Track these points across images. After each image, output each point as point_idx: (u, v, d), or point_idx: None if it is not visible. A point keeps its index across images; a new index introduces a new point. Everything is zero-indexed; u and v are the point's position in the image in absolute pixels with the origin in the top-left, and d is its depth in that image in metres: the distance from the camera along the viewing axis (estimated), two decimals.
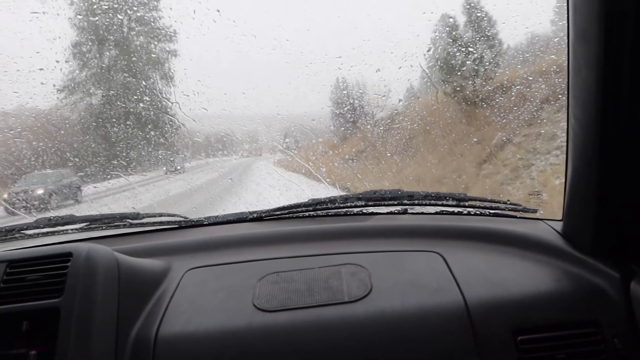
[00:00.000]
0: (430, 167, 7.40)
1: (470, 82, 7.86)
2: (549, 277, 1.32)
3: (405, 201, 1.72)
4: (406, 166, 7.45)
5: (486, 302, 1.23)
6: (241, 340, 1.18)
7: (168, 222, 1.78)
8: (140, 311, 1.28)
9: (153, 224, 1.77)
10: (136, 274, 1.33)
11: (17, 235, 1.70)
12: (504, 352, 1.16)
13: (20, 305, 1.13)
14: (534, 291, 1.25)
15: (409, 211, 1.76)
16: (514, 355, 1.15)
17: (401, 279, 1.33)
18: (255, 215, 1.79)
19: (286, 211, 1.77)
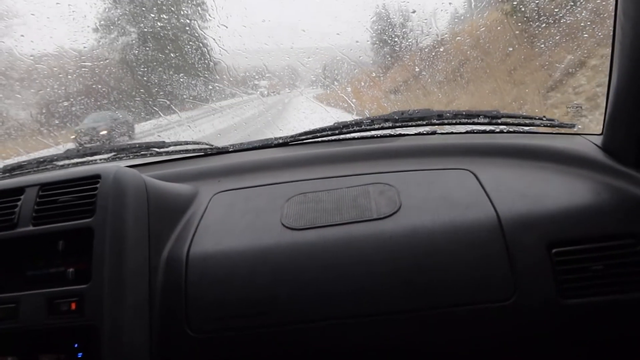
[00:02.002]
0: (485, 97, 7.19)
1: None
2: (588, 190, 1.37)
3: (434, 120, 1.78)
4: (458, 97, 7.27)
5: (520, 216, 1.30)
6: (271, 258, 1.32)
7: (194, 150, 1.94)
8: (171, 232, 1.45)
9: (179, 152, 1.93)
10: (164, 195, 1.49)
11: (48, 166, 1.89)
12: (538, 265, 1.24)
13: (55, 226, 1.29)
14: (571, 205, 1.31)
15: (438, 131, 1.83)
16: (547, 268, 1.23)
17: (431, 196, 1.42)
18: (280, 140, 1.92)
19: (311, 135, 1.88)
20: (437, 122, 1.79)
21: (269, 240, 1.37)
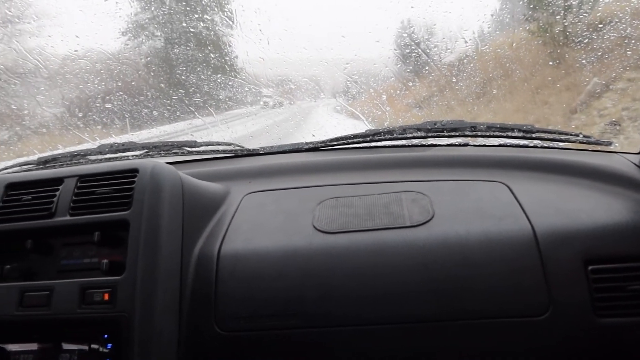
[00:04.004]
0: (509, 116, 7.15)
1: (559, 18, 7.37)
2: (625, 208, 1.34)
3: (467, 132, 1.76)
4: (480, 114, 7.25)
5: (556, 231, 1.27)
6: (302, 260, 1.31)
7: (224, 151, 1.95)
8: (203, 229, 1.45)
9: (210, 152, 1.95)
10: (198, 193, 1.50)
11: (81, 160, 1.92)
12: (574, 281, 1.21)
13: (92, 217, 1.31)
14: (608, 222, 1.28)
15: (471, 143, 1.81)
16: (583, 285, 1.20)
17: (465, 206, 1.40)
18: (311, 145, 1.92)
19: (342, 141, 1.87)
20: (470, 134, 1.77)
21: (300, 241, 1.36)
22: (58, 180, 1.39)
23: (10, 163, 1.98)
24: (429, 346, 1.25)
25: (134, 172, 1.36)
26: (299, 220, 1.43)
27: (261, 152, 1.95)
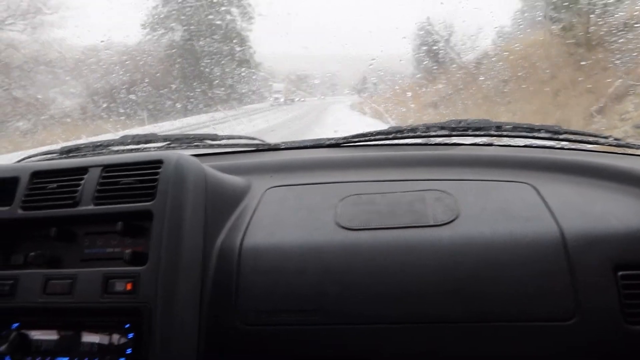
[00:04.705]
0: (527, 117, 7.08)
1: (583, 19, 7.24)
2: None
3: (493, 132, 1.73)
4: (498, 114, 7.17)
5: (585, 234, 1.24)
6: (324, 256, 1.30)
7: (246, 145, 1.95)
8: (225, 222, 1.44)
9: (231, 145, 1.95)
10: (221, 186, 1.49)
11: (104, 150, 1.93)
12: (602, 286, 1.18)
13: (116, 207, 1.31)
14: (639, 227, 1.24)
15: (495, 143, 1.78)
16: (612, 291, 1.17)
17: (490, 206, 1.37)
18: (332, 141, 1.90)
19: (364, 138, 1.85)
20: (496, 133, 1.74)
21: (322, 237, 1.35)
22: (83, 170, 1.40)
23: (34, 152, 2.00)
24: (450, 348, 1.23)
25: (158, 163, 1.36)
26: (321, 216, 1.42)
27: (283, 147, 1.94)
